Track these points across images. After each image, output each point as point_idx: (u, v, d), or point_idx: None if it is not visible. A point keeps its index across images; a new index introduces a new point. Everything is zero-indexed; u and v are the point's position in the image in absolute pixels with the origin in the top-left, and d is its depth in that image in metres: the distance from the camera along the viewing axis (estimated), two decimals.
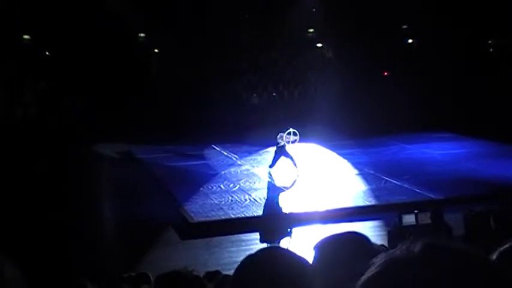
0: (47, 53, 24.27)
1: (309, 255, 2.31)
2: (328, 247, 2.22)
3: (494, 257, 1.55)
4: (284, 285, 1.62)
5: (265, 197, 13.00)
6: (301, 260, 1.72)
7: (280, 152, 15.11)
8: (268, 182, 14.70)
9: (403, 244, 1.00)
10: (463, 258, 0.95)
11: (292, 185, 14.52)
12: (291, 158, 15.05)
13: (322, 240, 2.26)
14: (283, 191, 13.68)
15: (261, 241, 10.58)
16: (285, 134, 15.12)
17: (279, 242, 10.44)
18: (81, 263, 9.87)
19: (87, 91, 23.07)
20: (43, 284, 7.12)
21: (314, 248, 2.24)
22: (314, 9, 25.32)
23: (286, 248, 1.80)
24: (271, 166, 15.35)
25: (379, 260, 1.00)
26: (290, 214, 12.02)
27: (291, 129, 15.36)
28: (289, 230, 10.86)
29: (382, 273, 0.97)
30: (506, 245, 1.57)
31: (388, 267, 0.97)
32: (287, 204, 12.87)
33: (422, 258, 0.95)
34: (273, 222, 11.18)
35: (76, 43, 22.81)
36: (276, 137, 15.16)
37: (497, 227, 6.84)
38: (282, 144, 15.02)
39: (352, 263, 1.36)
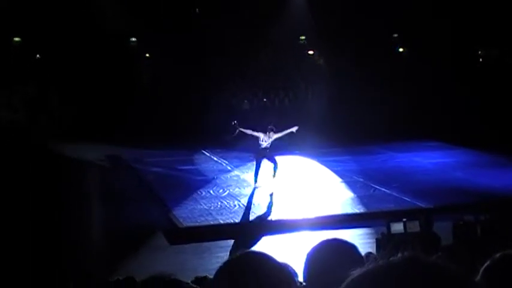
0: (38, 55, 24.18)
1: (296, 261, 2.33)
2: (317, 255, 2.24)
3: (480, 272, 1.58)
4: None
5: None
6: (279, 265, 1.73)
7: (262, 155, 14.95)
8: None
9: (383, 255, 1.02)
10: (441, 274, 0.96)
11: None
12: (275, 163, 14.85)
13: (312, 248, 2.28)
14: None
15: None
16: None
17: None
18: (69, 268, 9.83)
19: (78, 94, 22.99)
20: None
21: (306, 256, 2.26)
22: (310, 17, 25.35)
23: (264, 252, 1.80)
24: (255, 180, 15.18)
25: (358, 271, 1.01)
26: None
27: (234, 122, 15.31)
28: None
29: (359, 283, 0.99)
30: (488, 262, 1.59)
31: (368, 276, 0.98)
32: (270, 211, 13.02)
33: (402, 271, 0.96)
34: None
35: (67, 46, 22.73)
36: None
37: (483, 237, 6.89)
38: (263, 146, 14.84)
39: (340, 271, 1.38)
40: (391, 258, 1.00)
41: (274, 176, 14.76)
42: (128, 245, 11.19)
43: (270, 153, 14.81)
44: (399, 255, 1.00)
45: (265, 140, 14.75)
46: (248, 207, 13.57)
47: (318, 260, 2.21)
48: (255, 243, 11.30)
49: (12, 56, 23.10)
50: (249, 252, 1.77)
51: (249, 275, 1.66)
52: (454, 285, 0.96)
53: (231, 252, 10.45)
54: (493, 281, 1.55)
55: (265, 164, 14.96)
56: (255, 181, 15.05)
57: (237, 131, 15.05)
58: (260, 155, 14.87)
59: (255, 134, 14.84)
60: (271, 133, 14.77)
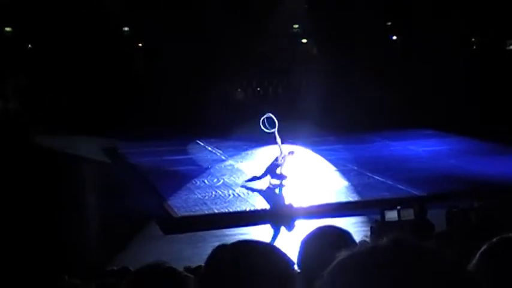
0: (29, 45, 24.04)
1: (292, 249, 2.32)
2: (311, 241, 2.24)
3: (477, 256, 1.57)
4: (259, 279, 1.61)
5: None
6: (281, 255, 1.70)
7: (273, 170, 14.58)
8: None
9: (373, 240, 1.02)
10: (426, 255, 0.96)
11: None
12: (281, 181, 14.31)
13: (307, 235, 2.28)
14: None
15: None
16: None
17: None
18: (64, 258, 9.82)
19: (70, 85, 22.90)
20: (27, 280, 7.08)
21: (300, 243, 2.26)
22: (306, 6, 25.28)
23: (265, 241, 1.78)
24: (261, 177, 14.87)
25: (343, 253, 1.01)
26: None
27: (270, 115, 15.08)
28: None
29: (346, 262, 0.98)
30: (485, 246, 1.59)
31: (353, 258, 0.98)
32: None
33: (387, 252, 0.96)
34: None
35: (59, 36, 22.61)
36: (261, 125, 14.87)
37: (478, 224, 6.91)
38: (277, 163, 14.47)
39: (333, 257, 1.38)
40: (377, 241, 1.00)
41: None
42: (122, 235, 11.19)
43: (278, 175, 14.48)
44: (386, 237, 1.00)
45: (279, 159, 14.40)
46: (242, 197, 13.56)
47: (312, 246, 2.21)
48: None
49: (3, 46, 22.96)
50: (248, 241, 1.74)
51: (246, 261, 1.63)
52: (439, 265, 0.96)
53: None
54: (490, 264, 1.55)
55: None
56: (260, 178, 14.82)
57: (273, 130, 14.72)
58: (274, 170, 14.50)
59: (279, 146, 14.55)
60: (289, 156, 14.35)
